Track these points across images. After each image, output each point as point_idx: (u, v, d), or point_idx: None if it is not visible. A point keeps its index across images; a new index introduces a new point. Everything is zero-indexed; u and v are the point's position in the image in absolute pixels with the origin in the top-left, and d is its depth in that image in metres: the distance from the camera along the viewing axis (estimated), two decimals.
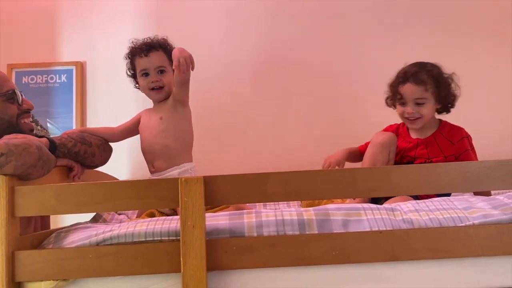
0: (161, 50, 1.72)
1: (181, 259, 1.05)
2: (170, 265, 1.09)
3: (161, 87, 1.70)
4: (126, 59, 1.79)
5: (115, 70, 2.44)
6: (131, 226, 1.16)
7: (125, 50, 1.83)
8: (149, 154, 1.70)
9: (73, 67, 2.45)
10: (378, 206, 1.20)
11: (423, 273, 1.08)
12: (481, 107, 2.41)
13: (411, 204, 1.23)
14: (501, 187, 1.10)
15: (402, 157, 1.70)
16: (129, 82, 1.94)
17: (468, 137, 1.69)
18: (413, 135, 1.72)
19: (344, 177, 1.11)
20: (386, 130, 1.81)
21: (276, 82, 2.45)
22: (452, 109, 1.72)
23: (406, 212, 1.17)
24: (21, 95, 1.54)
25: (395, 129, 1.78)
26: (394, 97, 1.70)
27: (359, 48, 2.44)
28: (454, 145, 1.66)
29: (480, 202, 1.21)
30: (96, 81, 2.48)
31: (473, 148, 1.69)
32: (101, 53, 2.48)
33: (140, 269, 1.10)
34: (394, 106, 1.74)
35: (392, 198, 1.50)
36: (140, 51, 1.71)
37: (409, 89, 1.64)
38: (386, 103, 1.76)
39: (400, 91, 1.67)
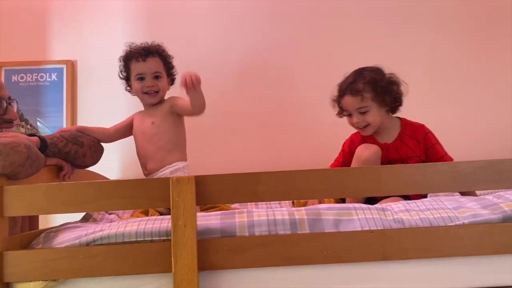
0: (158, 56, 1.74)
1: (172, 259, 1.04)
2: (161, 265, 1.08)
3: (156, 92, 1.72)
4: (120, 61, 1.79)
5: (106, 69, 2.43)
6: (122, 226, 1.15)
7: (116, 49, 1.81)
8: (143, 158, 1.72)
9: (64, 66, 2.43)
10: (369, 206, 1.21)
11: (414, 272, 1.09)
12: (473, 107, 2.43)
13: (401, 204, 1.23)
14: (489, 187, 1.11)
15: None
16: (120, 82, 1.93)
17: (430, 132, 1.71)
18: (380, 139, 1.71)
19: (335, 177, 1.11)
20: (353, 137, 1.79)
21: (266, 81, 2.45)
22: (401, 107, 1.72)
23: (397, 212, 1.18)
24: (7, 105, 1.53)
25: (361, 137, 1.75)
26: (340, 111, 1.72)
27: (349, 50, 2.45)
28: (421, 143, 1.68)
29: (469, 202, 1.22)
30: (87, 80, 2.46)
31: (438, 142, 1.71)
32: (92, 52, 2.47)
33: (130, 269, 1.09)
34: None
35: (383, 200, 1.51)
36: (137, 56, 1.72)
37: (348, 101, 1.66)
38: (339, 116, 1.76)
39: (342, 105, 1.69)
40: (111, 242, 1.12)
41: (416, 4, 2.48)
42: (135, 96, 1.80)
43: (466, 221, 1.11)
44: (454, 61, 2.44)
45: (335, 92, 1.72)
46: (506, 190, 1.41)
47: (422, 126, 1.72)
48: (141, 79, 1.72)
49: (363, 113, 1.65)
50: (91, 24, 2.48)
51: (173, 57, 1.82)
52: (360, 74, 1.67)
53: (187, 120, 1.81)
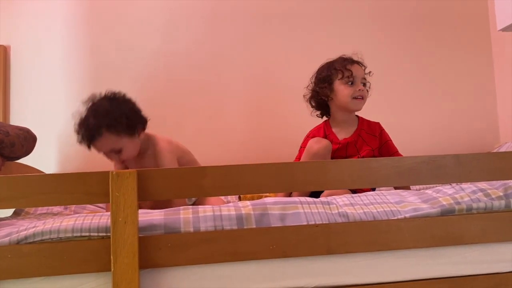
0: (105, 132, 1.47)
1: (112, 257, 0.99)
2: (100, 264, 1.02)
3: (123, 161, 1.58)
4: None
5: (44, 57, 2.30)
6: (57, 221, 1.08)
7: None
8: None
9: None
10: (315, 200, 1.21)
11: (358, 265, 1.10)
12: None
13: (346, 198, 1.25)
14: (430, 181, 1.14)
15: (333, 158, 1.71)
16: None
17: (384, 130, 1.81)
18: (340, 136, 1.76)
19: (282, 170, 1.10)
20: (313, 133, 1.81)
21: (214, 73, 2.42)
22: None
23: (342, 206, 1.19)
24: None
25: (323, 134, 1.78)
26: (342, 77, 1.71)
27: (293, 49, 2.47)
28: (377, 138, 1.76)
29: (410, 197, 1.26)
30: (21, 68, 2.30)
31: (391, 139, 1.80)
32: (29, 37, 2.31)
33: (66, 268, 1.02)
34: (326, 97, 1.75)
35: (331, 191, 1.52)
36: (83, 143, 1.51)
37: (358, 68, 1.73)
38: (322, 92, 1.75)
39: (351, 68, 1.72)
40: (44, 239, 1.05)
41: (357, 3, 2.53)
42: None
43: (407, 215, 1.14)
44: (391, 60, 2.52)
45: (333, 64, 1.75)
46: (444, 184, 1.47)
47: (378, 124, 1.81)
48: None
49: (364, 85, 1.74)
50: (28, 6, 2.31)
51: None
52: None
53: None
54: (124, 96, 1.56)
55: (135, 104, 1.57)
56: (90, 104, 1.51)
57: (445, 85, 2.54)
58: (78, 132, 1.49)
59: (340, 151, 1.72)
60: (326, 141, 1.67)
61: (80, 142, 1.50)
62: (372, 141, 1.75)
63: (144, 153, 1.60)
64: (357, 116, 1.81)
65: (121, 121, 1.48)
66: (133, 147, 1.55)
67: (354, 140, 1.74)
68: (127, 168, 1.63)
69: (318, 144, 1.65)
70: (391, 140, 1.79)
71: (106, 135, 1.47)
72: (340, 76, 1.72)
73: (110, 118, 1.46)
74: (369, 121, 1.81)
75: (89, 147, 1.50)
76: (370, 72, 1.78)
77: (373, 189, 1.62)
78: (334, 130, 1.78)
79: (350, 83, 1.72)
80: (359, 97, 1.71)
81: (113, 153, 1.52)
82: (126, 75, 2.30)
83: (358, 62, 1.75)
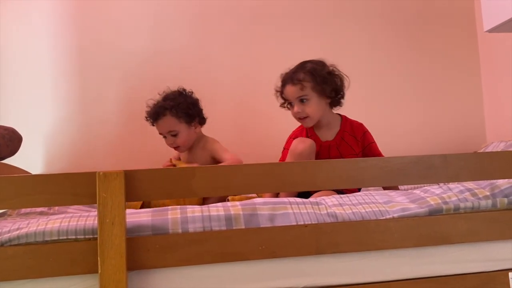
0: (168, 113, 1.78)
1: (99, 258, 0.98)
2: (87, 266, 1.01)
3: (177, 147, 1.84)
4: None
5: (31, 56, 2.27)
6: (42, 223, 1.06)
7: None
8: None
9: None
10: (304, 200, 1.21)
11: (347, 265, 1.10)
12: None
13: (335, 199, 1.25)
14: (418, 181, 1.15)
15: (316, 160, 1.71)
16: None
17: (368, 132, 1.78)
18: (322, 137, 1.73)
19: (271, 171, 1.10)
20: (296, 134, 1.79)
21: (202, 73, 2.41)
22: (343, 101, 1.74)
23: (331, 206, 1.19)
24: None
25: (305, 135, 1.76)
26: (283, 102, 1.75)
27: (288, 50, 2.47)
28: (359, 142, 1.74)
29: (399, 197, 1.26)
30: (7, 67, 2.27)
31: (374, 141, 1.78)
32: (15, 36, 2.28)
33: (52, 270, 1.01)
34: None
35: (317, 193, 1.52)
36: (149, 120, 1.84)
37: (289, 91, 1.69)
38: (282, 107, 1.79)
39: (284, 95, 1.72)
40: (30, 242, 1.03)
41: (344, 5, 2.54)
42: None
43: (395, 215, 1.14)
44: (378, 61, 2.53)
45: (278, 83, 1.75)
46: (431, 184, 1.48)
47: (361, 125, 1.78)
48: (164, 137, 1.84)
49: (303, 103, 1.67)
50: (14, 4, 2.28)
51: (190, 101, 1.84)
52: (302, 65, 1.71)
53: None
54: (192, 93, 1.88)
55: (198, 102, 1.87)
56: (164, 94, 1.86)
57: (432, 86, 2.56)
58: (147, 112, 1.83)
59: (323, 153, 1.70)
60: (310, 141, 1.64)
61: (146, 118, 1.83)
62: (355, 144, 1.73)
63: (196, 146, 1.87)
64: (339, 115, 1.78)
65: (183, 108, 1.77)
66: (188, 135, 1.82)
67: (336, 143, 1.71)
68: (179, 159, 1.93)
69: (302, 144, 1.62)
70: (374, 143, 1.77)
71: (168, 116, 1.77)
72: (279, 99, 1.76)
73: (175, 103, 1.77)
74: (352, 121, 1.78)
75: (152, 124, 1.82)
76: (305, 86, 1.66)
77: (359, 190, 1.63)
78: (316, 131, 1.75)
79: (291, 105, 1.72)
80: (300, 117, 1.69)
81: (170, 135, 1.79)
82: (114, 75, 2.28)
83: (292, 81, 1.67)
